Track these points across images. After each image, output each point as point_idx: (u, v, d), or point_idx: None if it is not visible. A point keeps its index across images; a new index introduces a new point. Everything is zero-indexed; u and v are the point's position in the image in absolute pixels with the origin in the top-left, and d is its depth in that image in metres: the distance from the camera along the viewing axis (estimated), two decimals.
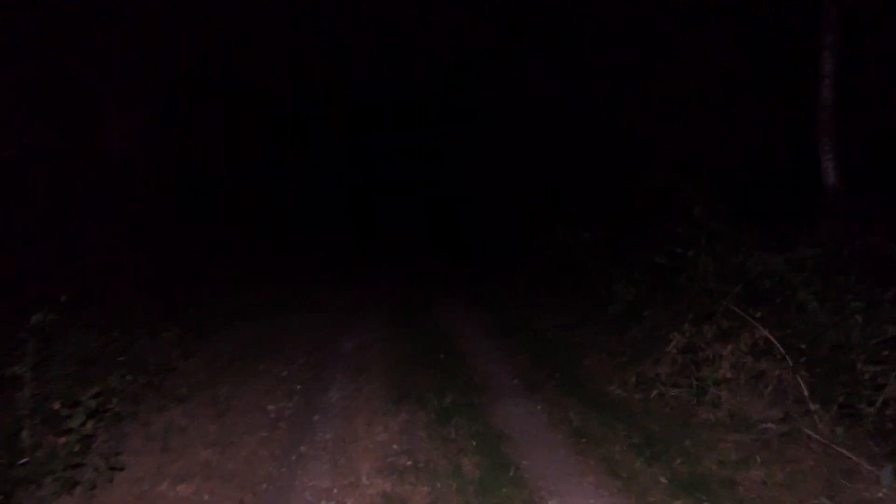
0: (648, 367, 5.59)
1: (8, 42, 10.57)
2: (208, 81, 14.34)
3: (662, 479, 3.89)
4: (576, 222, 8.29)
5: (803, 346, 4.69)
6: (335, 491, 3.96)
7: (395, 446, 4.49)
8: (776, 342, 4.76)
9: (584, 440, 4.47)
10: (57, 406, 4.06)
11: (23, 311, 4.39)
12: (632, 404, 5.17)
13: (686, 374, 5.18)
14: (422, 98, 17.46)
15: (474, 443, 4.48)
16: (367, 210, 21.40)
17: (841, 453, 4.01)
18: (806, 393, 4.44)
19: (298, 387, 5.92)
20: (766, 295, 5.26)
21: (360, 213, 21.11)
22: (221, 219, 13.74)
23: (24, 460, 3.86)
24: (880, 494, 3.65)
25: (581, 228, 8.16)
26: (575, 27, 11.33)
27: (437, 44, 13.51)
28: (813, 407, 4.36)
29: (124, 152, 12.29)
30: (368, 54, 14.43)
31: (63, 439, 3.92)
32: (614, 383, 5.66)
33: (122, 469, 4.09)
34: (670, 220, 7.03)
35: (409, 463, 4.22)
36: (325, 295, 11.11)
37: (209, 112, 14.47)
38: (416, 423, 4.82)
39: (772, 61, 8.76)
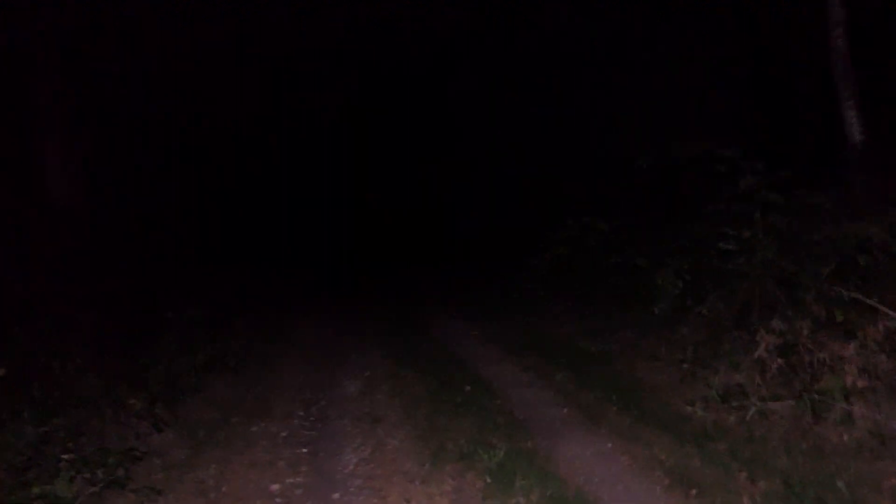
0: (729, 377, 4.62)
1: None
2: (156, 109, 13.02)
3: None
4: (589, 213, 7.30)
5: None
6: None
7: None
8: None
9: (694, 490, 3.44)
10: None
11: None
12: (726, 428, 4.18)
13: (786, 383, 4.22)
14: (396, 98, 16.40)
15: None
16: (343, 226, 20.23)
17: None
18: None
19: (304, 450, 4.76)
20: (865, 273, 4.35)
21: (335, 231, 19.92)
22: (181, 258, 12.42)
23: None
24: None
25: (596, 219, 7.18)
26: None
27: (413, 32, 12.41)
28: None
29: (65, 195, 10.90)
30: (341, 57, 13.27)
31: None
32: (690, 400, 4.66)
33: None
34: (709, 196, 6.12)
35: None
36: (309, 328, 9.93)
37: (161, 140, 13.15)
38: (469, 493, 3.72)
39: (781, 17, 7.96)
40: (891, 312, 3.87)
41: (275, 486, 4.13)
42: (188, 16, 11.69)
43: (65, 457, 3.73)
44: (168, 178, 14.17)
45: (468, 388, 5.72)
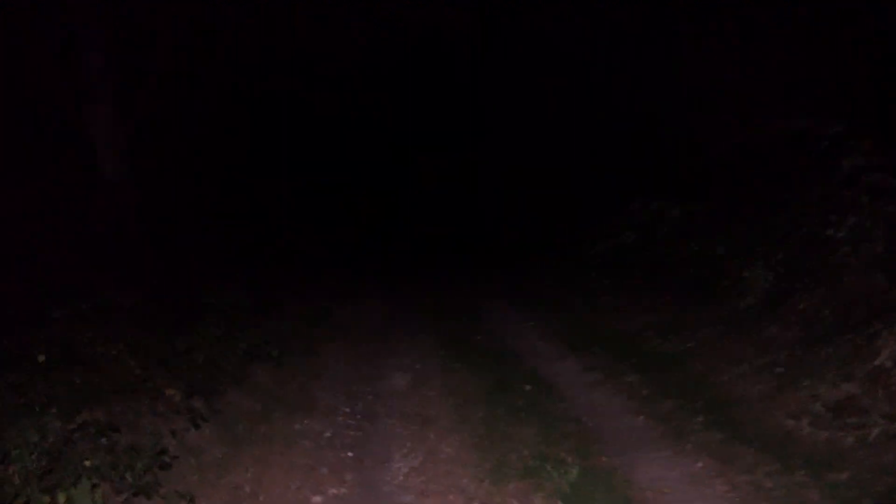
0: (838, 388, 3.95)
1: None
2: (208, 82, 12.85)
3: None
4: (659, 196, 6.60)
5: None
6: None
7: None
8: None
9: None
10: None
11: None
12: (844, 451, 3.52)
13: None
14: (445, 69, 15.77)
15: None
16: (382, 204, 19.85)
17: None
18: None
19: (349, 454, 4.33)
20: None
21: (376, 210, 19.56)
22: (229, 238, 12.22)
23: None
24: None
25: (666, 202, 6.47)
26: None
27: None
28: None
29: (113, 170, 10.80)
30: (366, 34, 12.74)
31: None
32: (793, 413, 4.01)
33: None
34: (804, 179, 5.40)
35: None
36: (350, 312, 9.53)
37: (198, 118, 12.96)
38: None
39: None
40: None
41: (317, 499, 3.71)
42: None
43: (86, 462, 3.37)
44: (219, 155, 14.03)
45: (528, 387, 5.19)
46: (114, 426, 4.40)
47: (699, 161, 7.02)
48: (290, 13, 12.49)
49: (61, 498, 3.09)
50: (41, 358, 5.05)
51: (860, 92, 5.73)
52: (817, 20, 6.16)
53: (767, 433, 3.88)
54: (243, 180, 14.36)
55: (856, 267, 4.68)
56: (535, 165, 14.73)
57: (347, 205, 20.09)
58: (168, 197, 11.68)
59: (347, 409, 5.19)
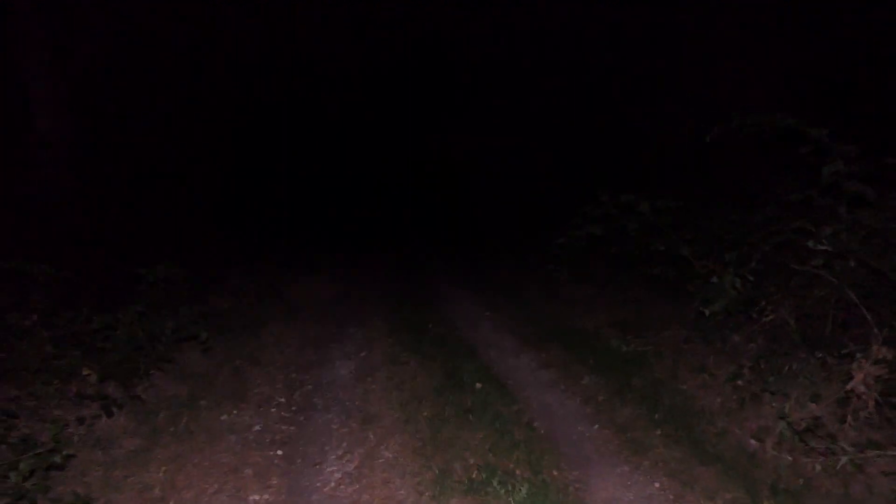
0: (804, 408, 3.72)
1: None
2: (161, 38, 11.95)
3: None
4: (629, 190, 6.29)
5: None
6: None
7: None
8: None
9: None
10: None
11: None
12: (810, 479, 3.29)
13: (889, 427, 3.31)
14: (406, 59, 15.24)
15: None
16: (349, 184, 19.29)
17: None
18: None
19: (279, 453, 3.93)
20: None
21: (341, 188, 18.99)
22: (174, 206, 11.53)
23: None
24: None
25: (636, 197, 6.17)
26: None
27: None
28: None
29: (49, 127, 9.97)
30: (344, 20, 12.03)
31: None
32: (756, 433, 3.77)
33: None
34: (782, 181, 5.16)
35: None
36: (302, 289, 9.06)
37: (165, 75, 12.12)
38: None
39: None
40: None
41: None
42: None
43: None
44: (170, 118, 13.21)
45: (479, 385, 4.85)
46: (11, 411, 3.91)
47: (673, 155, 6.76)
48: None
49: None
50: None
51: (852, 94, 5.50)
52: (813, 14, 5.91)
53: (729, 453, 3.64)
54: (202, 145, 13.59)
55: (828, 281, 4.46)
56: (510, 154, 14.43)
57: (319, 180, 19.43)
58: (110, 159, 10.90)
59: (282, 400, 4.77)
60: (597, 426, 4.17)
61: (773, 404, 3.91)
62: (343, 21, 12.50)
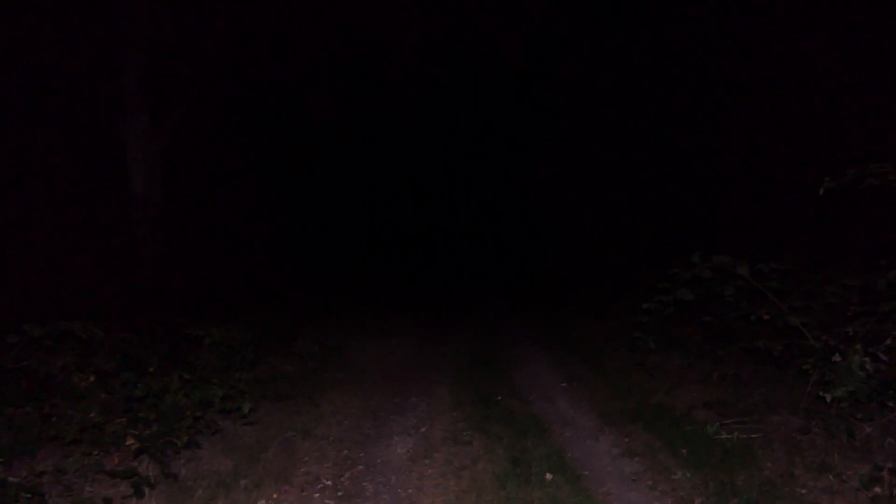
0: None
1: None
2: (248, 104, 12.46)
3: None
4: (727, 250, 5.55)
5: None
6: None
7: None
8: None
9: None
10: None
11: None
12: None
13: None
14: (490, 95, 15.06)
15: None
16: (425, 237, 19.22)
17: None
18: None
19: None
20: None
21: (416, 240, 18.93)
22: (246, 267, 11.71)
23: None
24: None
25: (735, 258, 5.41)
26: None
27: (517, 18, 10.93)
28: None
29: (142, 189, 10.43)
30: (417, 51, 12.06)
31: None
32: None
33: None
34: None
35: None
36: (370, 352, 8.74)
37: (236, 136, 12.59)
38: None
39: None
40: None
41: None
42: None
43: None
44: (254, 175, 13.64)
45: (549, 476, 4.20)
46: (39, 489, 3.67)
47: (774, 212, 5.96)
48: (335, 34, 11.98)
49: None
50: None
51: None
52: None
53: None
54: (278, 205, 13.93)
55: None
56: (596, 207, 13.76)
57: (389, 229, 19.49)
58: (195, 216, 11.27)
59: (329, 483, 4.31)
60: None
61: None
62: (429, 63, 12.45)
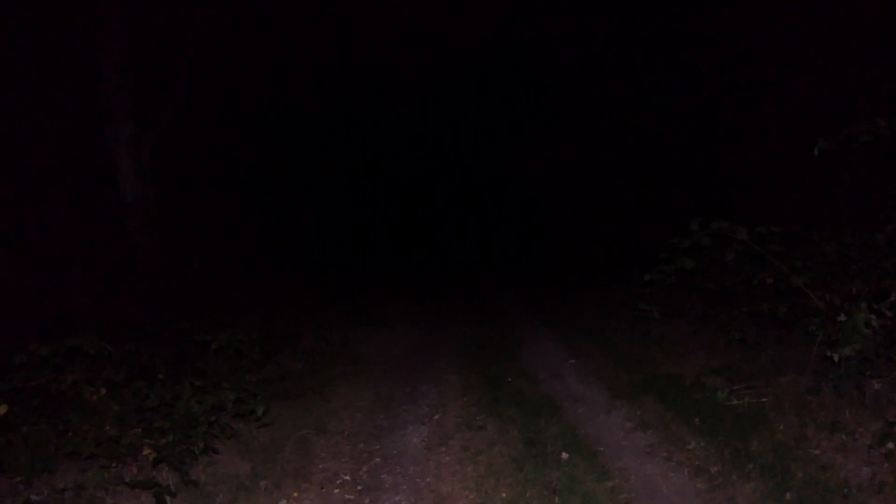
0: None
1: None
2: (215, 101, 12.30)
3: None
4: (724, 215, 5.55)
5: None
6: None
7: None
8: None
9: None
10: None
11: None
12: None
13: None
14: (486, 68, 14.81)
15: None
16: (424, 217, 19.17)
17: None
18: None
19: None
20: None
21: (415, 223, 18.89)
22: (243, 266, 11.67)
23: None
24: None
25: (734, 223, 5.42)
26: None
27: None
28: None
29: (132, 196, 10.35)
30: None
31: None
32: None
33: None
34: None
35: None
36: (375, 342, 8.75)
37: (222, 138, 12.47)
38: None
39: None
40: None
41: None
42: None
43: None
44: (244, 175, 13.55)
45: (565, 455, 4.24)
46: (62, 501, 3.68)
47: (768, 175, 5.95)
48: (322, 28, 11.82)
49: None
50: (2, 410, 4.48)
51: None
52: None
53: None
54: (269, 201, 13.85)
55: None
56: (593, 182, 13.68)
57: (386, 218, 19.41)
58: (186, 219, 11.20)
59: (348, 477, 4.34)
60: None
61: None
62: (420, 43, 12.23)
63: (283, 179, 14.19)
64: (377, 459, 4.64)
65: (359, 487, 4.20)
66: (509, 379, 6.25)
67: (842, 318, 4.13)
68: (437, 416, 5.43)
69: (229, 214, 12.25)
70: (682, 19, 8.18)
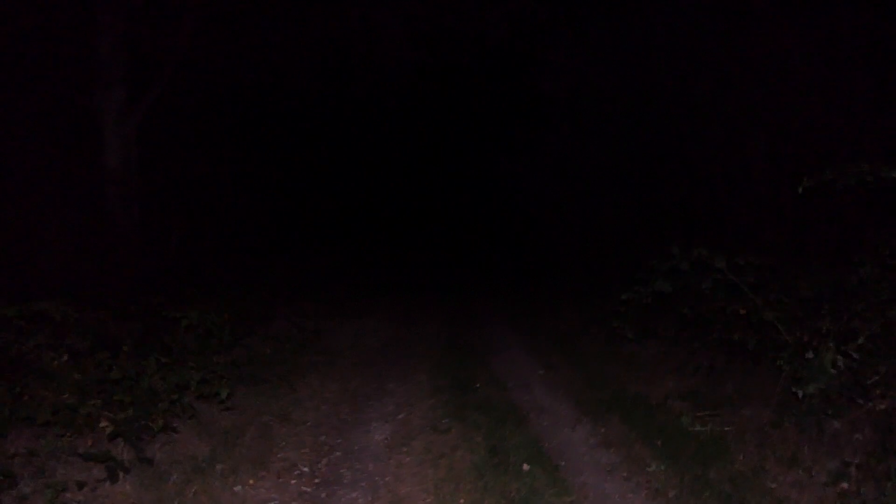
0: None
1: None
2: (204, 82, 12.13)
3: None
4: (706, 243, 5.61)
5: None
6: None
7: None
8: None
9: None
10: None
11: None
12: None
13: None
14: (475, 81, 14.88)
15: None
16: (405, 219, 19.16)
17: None
18: None
19: None
20: None
21: (396, 224, 18.87)
22: (222, 245, 11.52)
23: None
24: None
25: (713, 251, 5.47)
26: None
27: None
28: None
29: (117, 163, 10.16)
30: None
31: None
32: None
33: None
34: (881, 238, 4.45)
35: None
36: (348, 335, 8.73)
37: (215, 111, 12.31)
38: None
39: None
40: None
41: None
42: None
43: None
44: (233, 152, 13.40)
45: (527, 466, 4.24)
46: (11, 472, 3.60)
47: (753, 207, 6.03)
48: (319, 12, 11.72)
49: None
50: None
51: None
52: None
53: None
54: (256, 186, 13.72)
55: None
56: (576, 196, 13.75)
57: (369, 214, 19.37)
58: (169, 197, 11.04)
59: (306, 469, 4.31)
60: None
61: None
62: (419, 41, 12.15)
63: (272, 166, 14.06)
64: (338, 453, 4.61)
65: (316, 480, 4.17)
66: (478, 384, 6.24)
67: (809, 355, 4.19)
68: (402, 416, 5.41)
69: (214, 195, 12.10)
70: (679, 44, 8.28)
